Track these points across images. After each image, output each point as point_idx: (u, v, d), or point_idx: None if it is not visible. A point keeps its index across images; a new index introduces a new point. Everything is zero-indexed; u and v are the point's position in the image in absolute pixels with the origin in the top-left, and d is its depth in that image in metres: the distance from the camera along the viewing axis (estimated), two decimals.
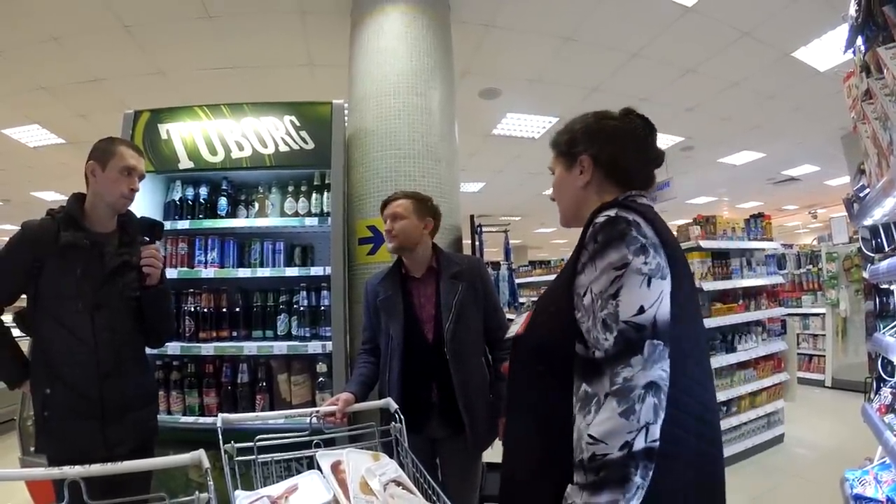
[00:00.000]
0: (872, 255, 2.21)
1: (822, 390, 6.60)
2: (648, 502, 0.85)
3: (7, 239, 1.76)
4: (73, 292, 1.67)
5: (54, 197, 9.05)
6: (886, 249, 2.06)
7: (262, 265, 2.78)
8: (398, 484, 1.21)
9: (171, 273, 2.57)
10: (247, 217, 2.80)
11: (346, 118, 2.87)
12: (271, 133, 2.72)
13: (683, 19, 3.99)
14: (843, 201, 2.44)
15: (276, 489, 1.22)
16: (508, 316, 2.46)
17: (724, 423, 3.87)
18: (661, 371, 0.86)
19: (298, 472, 1.36)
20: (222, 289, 2.74)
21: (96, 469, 0.97)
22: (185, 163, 2.73)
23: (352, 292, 2.87)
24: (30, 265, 1.67)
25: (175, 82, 4.82)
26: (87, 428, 1.66)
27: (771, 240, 4.70)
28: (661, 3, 3.82)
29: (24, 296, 1.77)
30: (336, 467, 1.27)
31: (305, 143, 2.70)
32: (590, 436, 0.85)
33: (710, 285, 3.92)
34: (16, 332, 1.81)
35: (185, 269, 2.72)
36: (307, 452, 1.41)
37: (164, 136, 2.74)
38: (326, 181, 2.73)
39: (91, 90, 4.90)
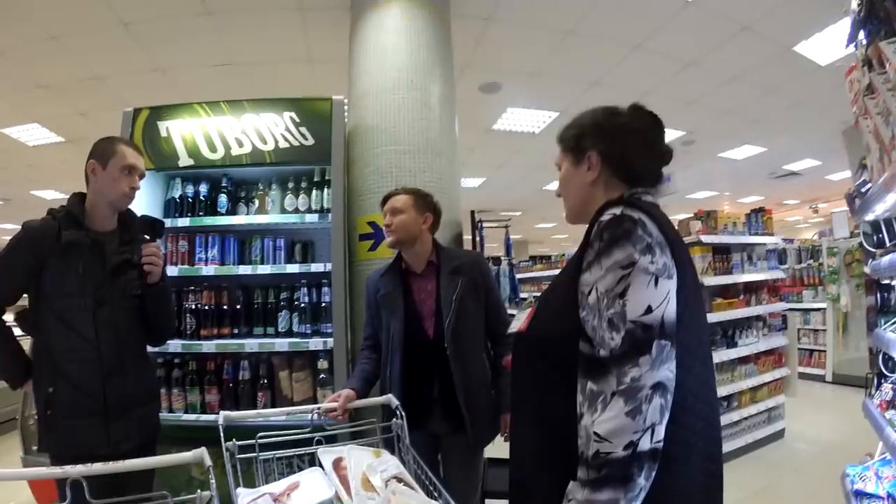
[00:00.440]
0: (874, 250, 2.20)
1: (823, 385, 6.60)
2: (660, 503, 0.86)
3: (7, 239, 1.77)
4: (74, 290, 1.68)
5: (54, 196, 9.05)
6: (888, 245, 2.05)
7: (262, 262, 2.78)
8: (400, 480, 1.21)
9: (172, 270, 2.58)
10: (247, 214, 2.79)
11: (346, 114, 2.86)
12: (271, 129, 2.71)
13: (684, 13, 3.97)
14: (845, 196, 2.44)
15: (277, 486, 1.22)
16: (510, 311, 2.45)
17: (725, 418, 3.88)
18: (667, 372, 0.86)
19: (300, 469, 1.37)
20: (223, 286, 2.74)
21: (98, 468, 0.97)
22: (184, 160, 2.72)
23: (353, 288, 2.87)
24: (31, 265, 1.67)
25: (174, 80, 4.81)
26: (90, 425, 1.67)
27: (772, 234, 4.69)
28: None
29: (25, 296, 1.77)
30: (338, 464, 1.27)
31: (305, 139, 2.70)
32: (595, 433, 0.84)
33: (710, 280, 3.91)
34: (17, 332, 1.82)
35: (186, 266, 2.72)
36: (309, 449, 1.41)
37: (163, 133, 2.74)
38: (327, 177, 2.72)
39: (90, 88, 4.89)
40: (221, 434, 1.31)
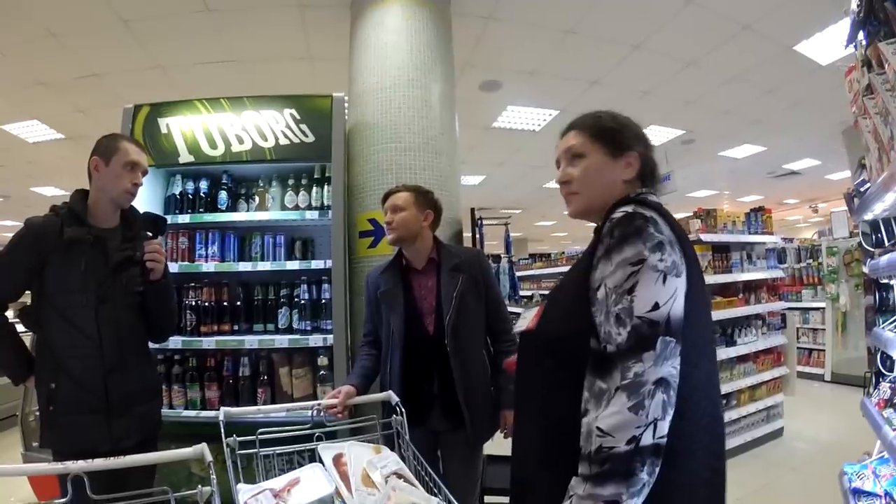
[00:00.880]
0: (873, 249, 2.21)
1: (822, 384, 6.61)
2: (665, 499, 0.87)
3: (8, 236, 1.77)
4: (77, 287, 1.68)
5: (54, 192, 9.05)
6: (887, 244, 2.06)
7: (262, 259, 2.79)
8: (400, 476, 1.22)
9: (172, 267, 2.57)
10: (247, 211, 2.80)
11: (346, 111, 2.86)
12: (271, 126, 2.71)
13: (684, 13, 3.97)
14: (844, 196, 2.45)
15: (278, 482, 1.23)
16: (510, 309, 2.46)
17: (724, 417, 3.88)
18: (671, 368, 0.87)
19: (300, 465, 1.37)
20: (223, 282, 2.75)
21: (99, 463, 0.98)
22: (185, 157, 2.72)
23: (352, 285, 2.87)
24: (34, 261, 1.68)
25: (174, 76, 4.80)
26: (92, 422, 1.67)
27: (771, 233, 4.69)
28: None
29: (27, 292, 1.77)
30: (338, 460, 1.28)
31: (306, 136, 2.70)
32: (598, 428, 0.85)
33: (710, 279, 3.91)
34: (19, 329, 1.82)
35: (186, 263, 2.73)
36: (309, 445, 1.42)
37: (163, 130, 2.74)
38: (327, 174, 2.72)
39: (90, 85, 4.88)
40: (222, 430, 1.32)
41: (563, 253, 9.38)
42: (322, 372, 2.60)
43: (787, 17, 4.09)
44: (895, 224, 2.03)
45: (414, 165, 2.90)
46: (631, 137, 1.15)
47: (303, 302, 2.69)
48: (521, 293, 8.35)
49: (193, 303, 2.68)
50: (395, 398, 1.57)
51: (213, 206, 2.78)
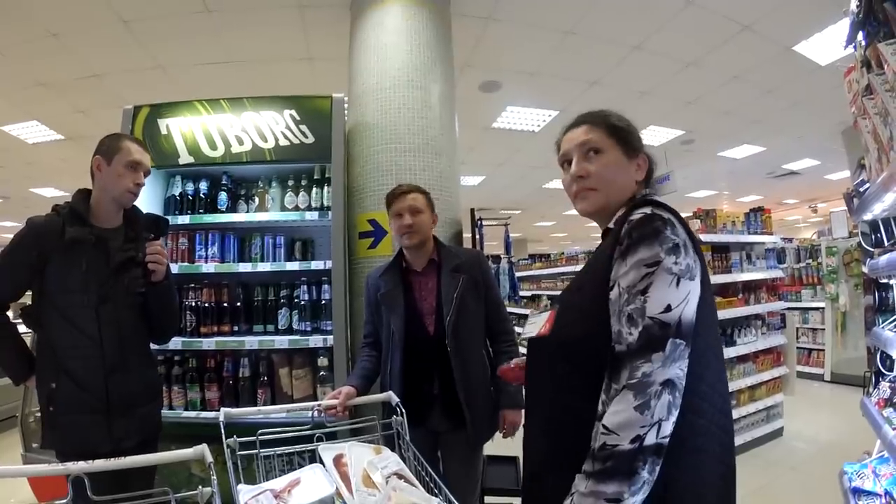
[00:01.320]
0: (872, 249, 2.21)
1: (822, 384, 6.61)
2: (681, 495, 0.89)
3: (9, 237, 1.77)
4: (78, 287, 1.68)
5: (54, 193, 9.05)
6: (886, 244, 2.06)
7: (262, 259, 2.79)
8: (400, 477, 1.22)
9: (172, 268, 2.57)
10: (247, 212, 2.80)
11: (346, 112, 2.86)
12: (271, 127, 2.71)
13: (684, 13, 3.97)
14: (844, 196, 2.45)
15: (278, 483, 1.23)
16: (509, 310, 2.46)
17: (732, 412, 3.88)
18: (678, 370, 0.87)
19: (301, 466, 1.37)
20: (223, 283, 2.75)
21: (100, 464, 0.97)
22: (185, 158, 2.72)
23: (352, 286, 2.87)
24: (35, 261, 1.68)
25: (174, 77, 4.80)
26: (92, 422, 1.67)
27: (771, 234, 4.70)
28: None
29: (29, 292, 1.77)
30: (338, 461, 1.28)
31: (305, 137, 2.70)
32: (603, 426, 0.86)
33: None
34: (20, 328, 1.82)
35: (186, 263, 2.73)
36: (309, 446, 1.41)
37: (163, 130, 2.74)
38: (327, 175, 2.72)
39: (90, 86, 4.88)
40: (223, 431, 1.31)
41: (563, 253, 9.35)
42: (322, 373, 2.59)
43: (786, 18, 4.09)
44: (894, 224, 2.03)
45: (414, 166, 2.90)
46: (638, 140, 1.17)
47: (303, 303, 2.69)
48: (521, 293, 8.35)
49: (193, 304, 2.68)
50: (395, 399, 1.57)
51: (212, 207, 2.78)
